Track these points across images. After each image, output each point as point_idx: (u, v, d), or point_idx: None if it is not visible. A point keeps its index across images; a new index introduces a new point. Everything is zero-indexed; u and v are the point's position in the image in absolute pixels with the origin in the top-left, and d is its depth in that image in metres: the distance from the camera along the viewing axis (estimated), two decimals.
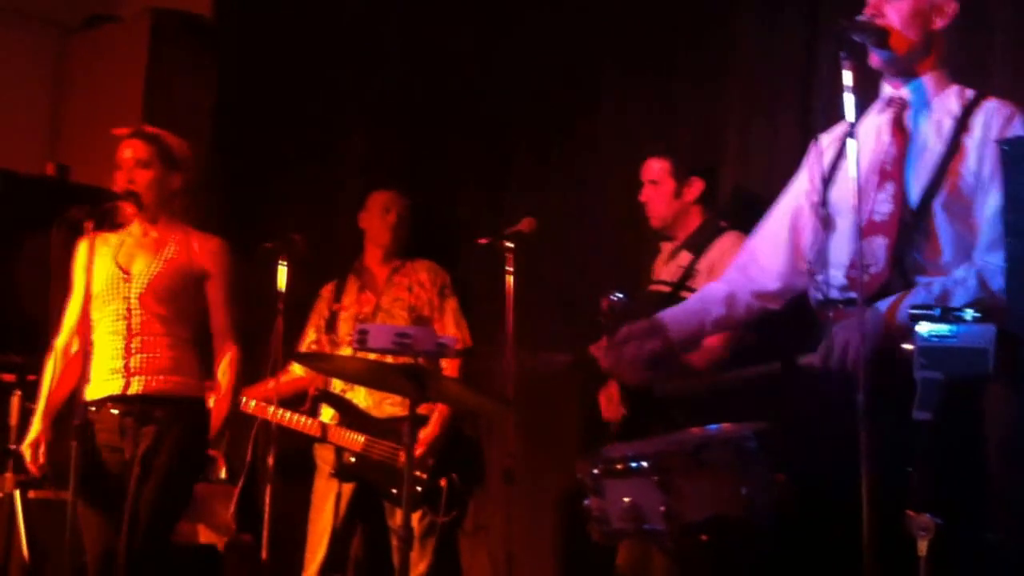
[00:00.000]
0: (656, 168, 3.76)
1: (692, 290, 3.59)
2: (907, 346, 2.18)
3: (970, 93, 2.63)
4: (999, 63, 3.33)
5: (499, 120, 4.71)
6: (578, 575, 4.24)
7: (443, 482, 4.09)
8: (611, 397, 3.69)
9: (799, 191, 2.83)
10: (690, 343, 2.93)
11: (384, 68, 5.05)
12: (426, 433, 4.07)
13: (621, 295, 3.03)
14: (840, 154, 2.72)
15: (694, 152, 4.00)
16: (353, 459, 4.15)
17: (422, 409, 4.00)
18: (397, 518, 4.05)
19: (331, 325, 4.39)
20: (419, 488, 4.05)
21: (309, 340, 4.42)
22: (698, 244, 3.69)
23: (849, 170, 2.34)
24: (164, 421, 3.29)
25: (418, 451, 4.01)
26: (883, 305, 2.46)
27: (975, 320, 2.12)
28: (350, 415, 4.20)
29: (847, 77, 2.32)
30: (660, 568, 3.34)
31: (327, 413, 4.24)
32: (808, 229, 2.75)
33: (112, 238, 3.47)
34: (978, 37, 3.28)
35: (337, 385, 4.25)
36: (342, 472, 4.19)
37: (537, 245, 3.63)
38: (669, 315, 2.83)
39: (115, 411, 3.32)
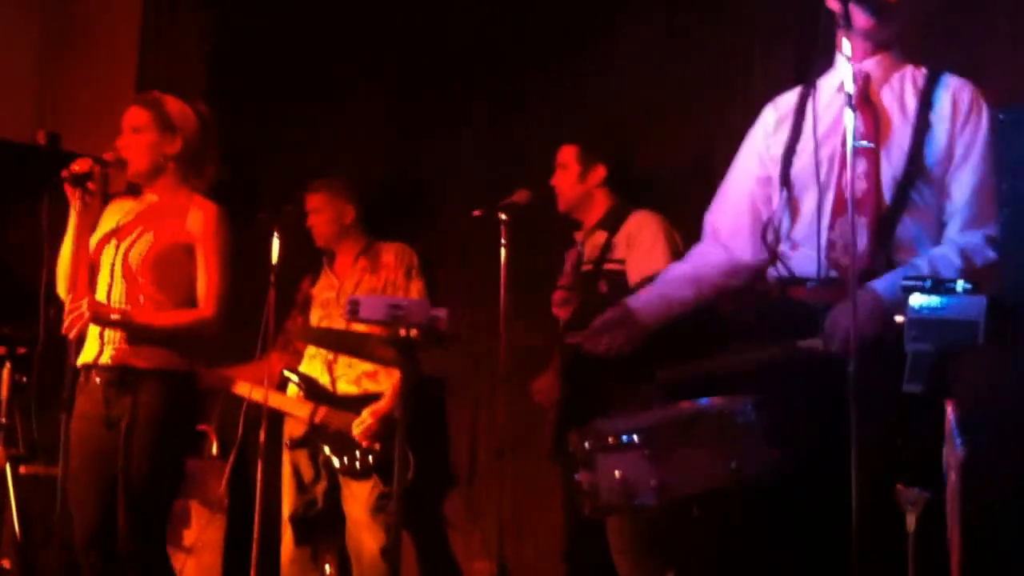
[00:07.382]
0: (565, 153, 3.85)
1: (615, 261, 3.69)
2: (899, 318, 2.17)
3: (924, 70, 2.61)
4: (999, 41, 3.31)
5: (500, 75, 4.65)
6: (575, 548, 4.22)
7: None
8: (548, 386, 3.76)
9: (751, 166, 2.78)
10: (663, 325, 2.90)
11: (384, 25, 4.97)
12: (378, 407, 4.07)
13: None
14: (797, 129, 2.68)
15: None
16: (309, 428, 4.16)
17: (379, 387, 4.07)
18: (349, 491, 4.12)
19: (303, 309, 4.40)
20: (370, 458, 4.06)
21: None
22: (611, 222, 3.80)
23: (847, 141, 2.30)
24: (144, 393, 3.18)
25: (366, 425, 4.05)
26: (878, 285, 2.44)
27: (966, 292, 2.11)
28: (313, 391, 4.21)
29: (846, 47, 2.30)
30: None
31: (292, 390, 4.26)
32: (767, 203, 2.72)
33: (127, 204, 3.41)
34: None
35: (304, 366, 4.28)
36: (296, 441, 4.20)
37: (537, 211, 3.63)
38: (639, 302, 2.84)
39: (98, 379, 3.22)
